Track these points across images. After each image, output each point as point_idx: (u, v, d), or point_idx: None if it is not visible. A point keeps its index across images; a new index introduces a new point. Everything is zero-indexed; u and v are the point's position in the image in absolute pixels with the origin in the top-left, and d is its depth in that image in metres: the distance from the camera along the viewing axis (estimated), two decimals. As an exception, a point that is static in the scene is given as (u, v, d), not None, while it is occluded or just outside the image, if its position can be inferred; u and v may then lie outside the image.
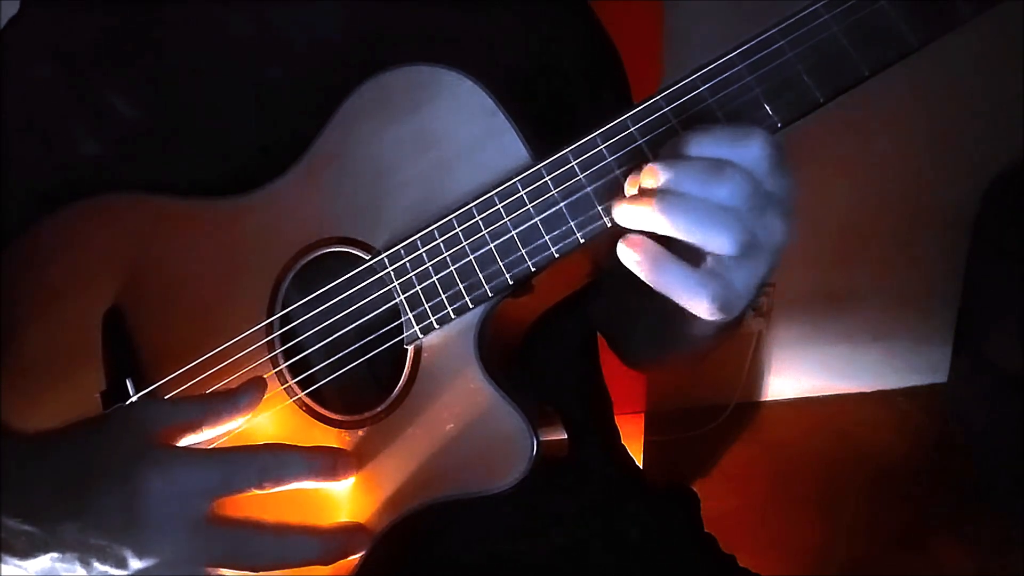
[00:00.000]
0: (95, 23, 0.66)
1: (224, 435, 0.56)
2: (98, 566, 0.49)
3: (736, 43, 0.47)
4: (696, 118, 0.48)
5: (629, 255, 0.48)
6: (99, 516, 0.49)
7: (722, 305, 0.47)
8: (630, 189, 0.49)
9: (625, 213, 0.48)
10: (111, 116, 0.65)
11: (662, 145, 0.49)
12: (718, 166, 0.45)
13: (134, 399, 0.60)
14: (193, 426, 0.54)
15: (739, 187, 0.45)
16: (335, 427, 0.58)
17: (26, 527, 0.50)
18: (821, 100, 0.47)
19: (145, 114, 0.65)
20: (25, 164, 0.66)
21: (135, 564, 0.48)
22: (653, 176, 0.47)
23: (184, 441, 0.54)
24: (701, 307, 0.47)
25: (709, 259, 0.47)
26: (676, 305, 0.48)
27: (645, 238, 0.47)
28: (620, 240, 0.48)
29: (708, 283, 0.46)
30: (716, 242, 0.45)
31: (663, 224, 0.46)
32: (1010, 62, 1.75)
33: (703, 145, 0.46)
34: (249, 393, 0.55)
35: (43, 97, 0.66)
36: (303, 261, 0.59)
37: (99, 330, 0.62)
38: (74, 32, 0.66)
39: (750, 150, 0.46)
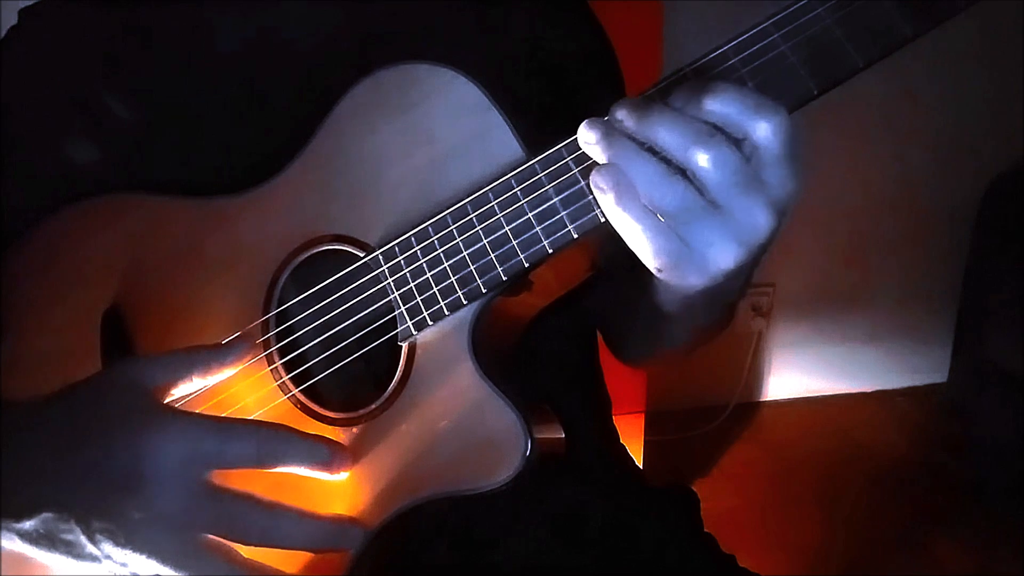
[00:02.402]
0: (93, 28, 0.66)
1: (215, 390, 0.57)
2: (96, 523, 0.49)
3: (730, 36, 0.47)
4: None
5: (599, 181, 0.48)
6: (97, 473, 0.49)
7: (667, 261, 0.48)
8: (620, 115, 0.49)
9: (585, 137, 0.49)
10: (109, 119, 0.65)
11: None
12: (709, 132, 0.45)
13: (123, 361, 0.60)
14: (182, 376, 0.54)
15: (723, 158, 0.45)
16: (330, 424, 0.58)
17: (22, 486, 0.50)
18: (815, 92, 0.47)
19: (142, 116, 0.65)
20: (25, 167, 0.67)
21: (136, 516, 0.48)
22: (641, 120, 0.47)
23: (177, 391, 0.54)
24: (647, 254, 0.48)
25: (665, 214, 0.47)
26: (643, 278, 0.48)
27: (622, 172, 0.47)
28: (596, 167, 0.48)
29: (659, 232, 0.47)
30: (657, 195, 0.46)
31: (612, 162, 0.47)
32: (1010, 62, 1.75)
33: (721, 101, 0.45)
34: (236, 347, 0.57)
35: (43, 102, 0.67)
36: (299, 259, 0.59)
37: (98, 330, 0.62)
38: (72, 38, 0.66)
39: (763, 123, 0.45)
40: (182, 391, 0.54)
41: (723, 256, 0.48)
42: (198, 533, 0.50)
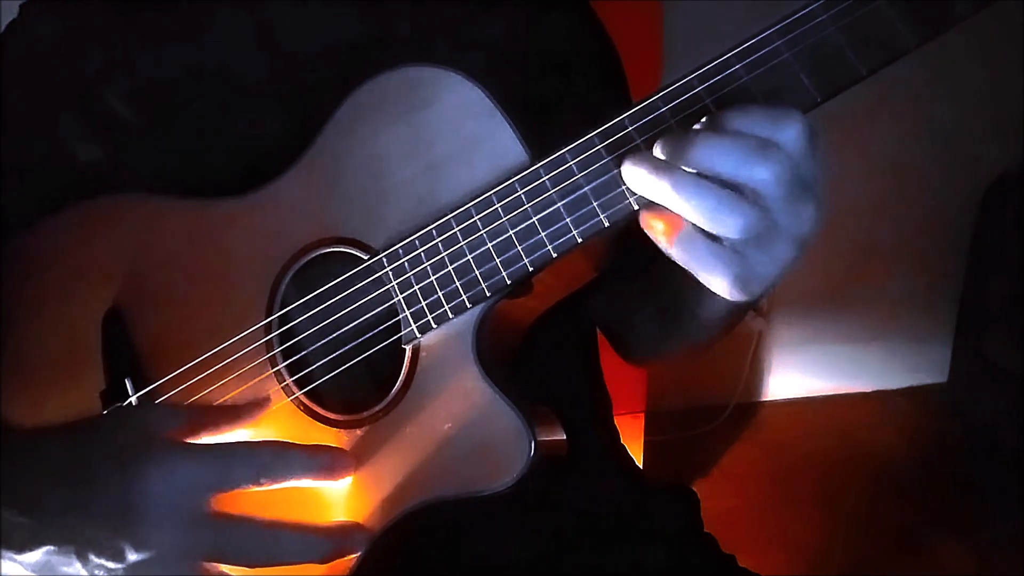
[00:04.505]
0: (92, 26, 0.66)
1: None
2: (95, 559, 0.49)
3: (733, 43, 0.47)
4: (693, 117, 0.48)
5: (653, 225, 0.47)
6: (97, 509, 0.49)
7: (741, 285, 0.47)
8: (657, 153, 0.48)
9: (634, 177, 0.47)
10: (110, 119, 0.65)
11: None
12: (762, 146, 0.44)
13: (133, 400, 0.60)
14: (193, 431, 0.54)
15: (781, 170, 0.44)
16: (333, 427, 0.58)
17: (22, 519, 0.50)
18: (819, 99, 0.47)
19: (144, 116, 0.65)
20: (26, 167, 0.67)
21: (132, 557, 0.48)
22: (689, 148, 0.45)
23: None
24: (720, 284, 0.47)
25: (726, 240, 0.46)
26: (686, 289, 0.48)
27: (677, 207, 0.46)
28: (644, 210, 0.47)
29: (730, 261, 0.46)
30: (723, 226, 0.45)
31: (671, 198, 0.45)
32: (1010, 62, 1.75)
33: (742, 124, 0.45)
34: (251, 407, 0.57)
35: (43, 101, 0.66)
36: (301, 261, 0.59)
37: (99, 330, 0.62)
38: (72, 35, 0.66)
39: (790, 131, 0.45)
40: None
41: (784, 262, 0.48)
42: (200, 562, 0.50)
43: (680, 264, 0.47)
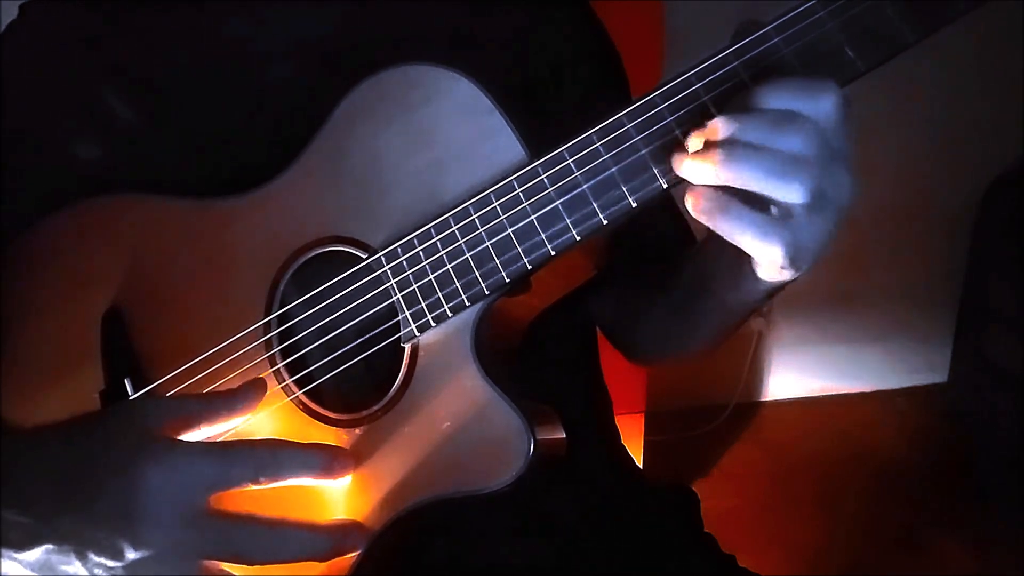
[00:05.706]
0: (92, 26, 0.66)
1: (222, 433, 0.56)
2: (94, 558, 0.49)
3: (732, 40, 0.47)
4: (691, 115, 0.48)
5: (695, 204, 0.47)
6: (96, 507, 0.49)
7: (793, 255, 0.46)
8: (694, 145, 0.48)
9: (689, 168, 0.47)
10: (110, 118, 0.65)
11: (659, 141, 0.49)
12: (788, 117, 0.44)
13: (133, 398, 0.60)
14: (191, 423, 0.54)
15: (810, 138, 0.44)
16: (332, 426, 0.58)
17: (21, 518, 0.50)
18: None
19: (143, 116, 0.65)
20: (25, 166, 0.67)
21: (131, 555, 0.48)
22: (718, 129, 0.45)
23: (182, 438, 0.54)
24: (776, 255, 0.46)
25: (774, 209, 0.46)
26: (716, 276, 0.46)
27: (710, 187, 0.46)
28: (689, 192, 0.47)
29: (782, 230, 0.45)
30: (787, 191, 0.44)
31: (729, 175, 0.45)
32: (1010, 62, 1.75)
33: (773, 97, 0.45)
34: (248, 394, 0.56)
35: (43, 100, 0.67)
36: (300, 260, 0.59)
37: (98, 330, 0.62)
38: (73, 35, 0.66)
39: (822, 103, 0.45)
40: (187, 438, 0.54)
41: (826, 233, 0.47)
42: (199, 560, 0.50)
43: (731, 240, 0.46)
